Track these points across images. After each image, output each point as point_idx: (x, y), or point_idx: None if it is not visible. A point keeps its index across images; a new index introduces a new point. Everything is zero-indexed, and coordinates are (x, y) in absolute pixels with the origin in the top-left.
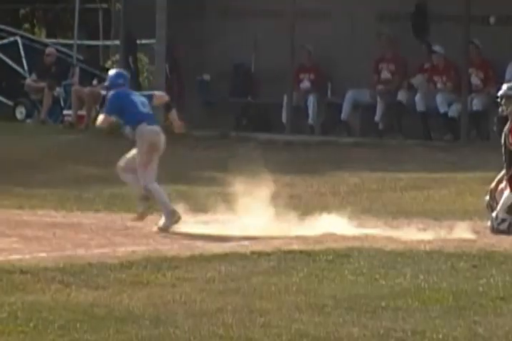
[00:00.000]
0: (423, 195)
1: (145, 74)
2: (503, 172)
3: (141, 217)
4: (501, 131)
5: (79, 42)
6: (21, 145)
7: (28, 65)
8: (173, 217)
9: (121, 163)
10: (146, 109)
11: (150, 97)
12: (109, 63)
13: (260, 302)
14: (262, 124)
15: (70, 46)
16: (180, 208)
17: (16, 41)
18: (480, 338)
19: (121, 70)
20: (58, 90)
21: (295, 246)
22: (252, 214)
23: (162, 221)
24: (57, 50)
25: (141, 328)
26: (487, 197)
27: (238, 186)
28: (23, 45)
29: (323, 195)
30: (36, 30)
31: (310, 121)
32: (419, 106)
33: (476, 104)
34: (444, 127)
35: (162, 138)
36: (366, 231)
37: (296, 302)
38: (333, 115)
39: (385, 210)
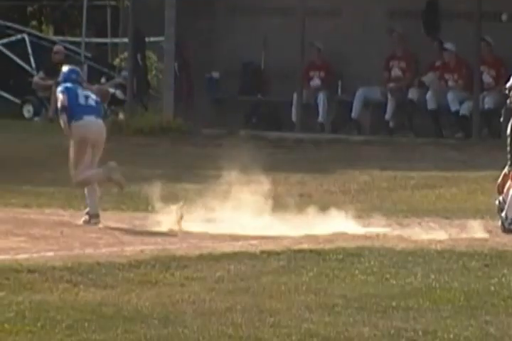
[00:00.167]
0: (434, 194)
1: (153, 72)
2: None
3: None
4: (508, 122)
5: (87, 39)
6: (29, 144)
7: (35, 62)
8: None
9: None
10: (88, 102)
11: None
12: (117, 61)
13: (270, 302)
14: (271, 122)
15: (78, 44)
16: (187, 207)
17: (23, 39)
18: (491, 338)
19: (75, 67)
20: None
21: (305, 246)
22: (259, 212)
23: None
24: (65, 48)
25: (149, 328)
26: (500, 198)
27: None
28: (31, 42)
29: (334, 194)
30: (44, 27)
31: (320, 119)
32: (430, 104)
33: (488, 102)
34: (455, 125)
35: (97, 131)
36: (377, 230)
37: (306, 301)
38: (343, 113)
39: (396, 209)
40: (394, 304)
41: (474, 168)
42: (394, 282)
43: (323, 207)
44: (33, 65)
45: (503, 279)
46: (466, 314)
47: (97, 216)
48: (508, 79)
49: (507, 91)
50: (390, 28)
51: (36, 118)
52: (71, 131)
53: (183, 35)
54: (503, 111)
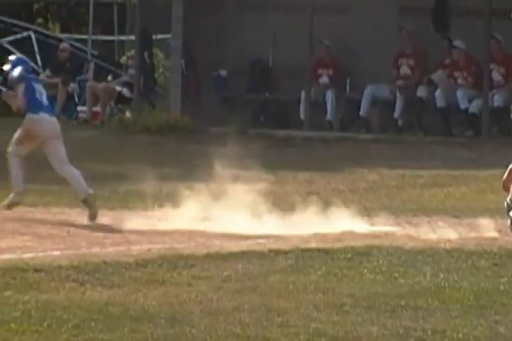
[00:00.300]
0: (443, 193)
1: (161, 70)
2: None
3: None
4: None
5: (93, 37)
6: None
7: (41, 60)
8: (15, 197)
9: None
10: (42, 98)
11: None
12: (124, 59)
13: (278, 301)
14: (279, 121)
15: (84, 41)
16: (194, 206)
17: (29, 36)
18: (501, 337)
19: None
20: (72, 86)
21: (313, 244)
22: (267, 211)
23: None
24: (72, 46)
25: (156, 327)
26: (508, 199)
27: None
28: (37, 40)
29: (342, 192)
30: (50, 25)
31: (328, 117)
32: (440, 102)
33: (497, 99)
34: (464, 123)
35: (50, 129)
36: (385, 228)
37: (314, 301)
38: (351, 111)
39: (405, 208)
40: (403, 303)
41: (484, 166)
42: (403, 281)
43: (332, 206)
44: (39, 62)
45: None
46: (476, 313)
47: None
48: None
49: None
50: (399, 26)
51: None
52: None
53: (190, 33)
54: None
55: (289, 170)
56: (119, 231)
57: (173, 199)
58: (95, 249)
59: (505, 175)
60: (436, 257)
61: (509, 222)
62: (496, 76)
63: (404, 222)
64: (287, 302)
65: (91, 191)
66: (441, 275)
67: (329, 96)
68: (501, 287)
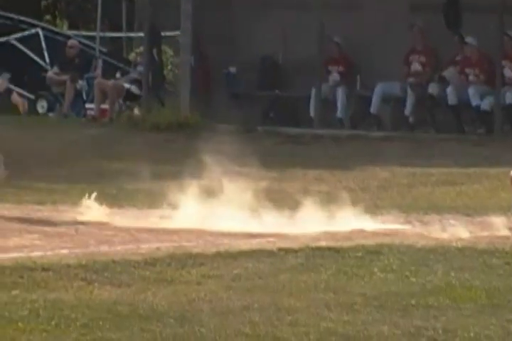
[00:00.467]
0: (455, 191)
1: (170, 67)
2: None
3: None
4: None
5: (102, 34)
6: (43, 140)
7: (49, 57)
8: None
9: None
10: None
11: None
12: (132, 55)
13: (288, 300)
14: (289, 118)
15: (92, 38)
16: (202, 204)
17: (37, 33)
18: None
19: None
20: (81, 83)
21: (323, 243)
22: (276, 209)
23: None
24: (80, 42)
25: (165, 326)
26: None
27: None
28: (45, 37)
29: (353, 190)
30: (58, 21)
31: (339, 114)
32: (451, 99)
33: (510, 97)
34: (476, 121)
35: None
36: (396, 227)
37: (324, 300)
38: (362, 108)
39: (416, 206)
40: (414, 302)
41: (496, 163)
42: (414, 280)
43: (342, 204)
44: (47, 59)
45: None
46: (488, 312)
47: None
48: None
49: None
50: (410, 22)
51: (50, 114)
52: None
53: (199, 30)
54: None
55: (298, 168)
56: (128, 229)
57: (181, 197)
58: (104, 248)
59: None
60: (448, 256)
61: None
62: (508, 73)
63: (415, 220)
64: (297, 301)
65: None
66: (453, 274)
67: (340, 93)
68: None
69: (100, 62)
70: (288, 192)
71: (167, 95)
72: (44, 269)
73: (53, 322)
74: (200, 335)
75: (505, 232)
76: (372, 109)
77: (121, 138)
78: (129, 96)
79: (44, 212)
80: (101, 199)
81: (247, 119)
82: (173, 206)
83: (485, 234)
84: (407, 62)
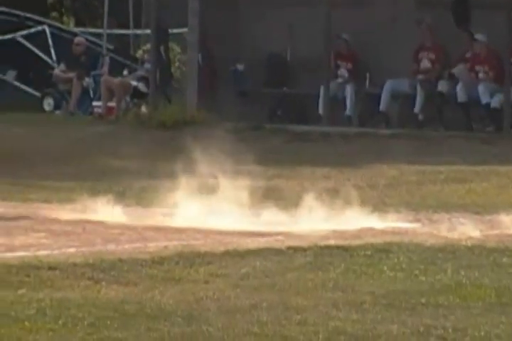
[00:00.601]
0: (464, 188)
1: (177, 64)
2: None
3: None
4: None
5: (108, 31)
6: (49, 137)
7: (56, 54)
8: None
9: None
10: None
11: None
12: (139, 53)
13: (296, 299)
14: (297, 115)
15: (99, 35)
16: (209, 202)
17: (43, 30)
18: None
19: None
20: (87, 80)
21: (332, 241)
22: (284, 207)
23: None
24: (87, 40)
25: (173, 325)
26: None
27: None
28: (51, 34)
29: (361, 188)
30: (64, 18)
31: (347, 112)
32: (461, 97)
33: None
34: (486, 118)
35: None
36: (405, 225)
37: (333, 298)
38: (371, 106)
39: (425, 204)
40: (423, 301)
41: (505, 161)
42: (423, 278)
43: (350, 202)
44: (54, 57)
45: None
46: (497, 311)
47: None
48: None
49: None
50: (418, 19)
51: (57, 112)
52: None
53: (206, 27)
54: None
55: (306, 166)
56: (135, 227)
57: (188, 196)
58: (111, 246)
59: None
60: (457, 254)
61: None
62: None
63: (424, 218)
64: (306, 300)
65: None
66: (462, 273)
67: (348, 90)
68: None
69: (107, 60)
70: (296, 190)
71: (174, 93)
72: (50, 268)
73: (60, 322)
74: (208, 334)
75: None
76: (381, 107)
77: (127, 135)
78: (136, 93)
79: (50, 210)
80: (107, 197)
81: (254, 117)
82: (180, 204)
83: (494, 232)
84: (416, 59)
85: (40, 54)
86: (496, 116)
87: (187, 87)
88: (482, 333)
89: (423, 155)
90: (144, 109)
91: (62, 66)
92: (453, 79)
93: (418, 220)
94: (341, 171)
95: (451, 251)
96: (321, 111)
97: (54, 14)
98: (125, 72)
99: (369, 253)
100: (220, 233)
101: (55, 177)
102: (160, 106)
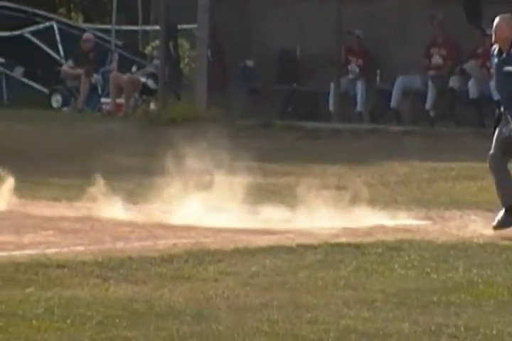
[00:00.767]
0: (476, 186)
1: (186, 61)
2: None
3: None
4: None
5: (117, 27)
6: (57, 135)
7: (64, 51)
8: None
9: None
10: None
11: None
12: (148, 49)
13: (307, 297)
14: (308, 112)
15: (108, 31)
16: (218, 199)
17: (51, 26)
18: None
19: None
20: (96, 77)
21: (343, 239)
22: (295, 206)
23: None
24: (95, 36)
25: (182, 324)
26: None
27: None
28: (59, 30)
29: (372, 186)
30: (73, 14)
31: (358, 108)
32: (472, 93)
33: None
34: None
35: None
36: (417, 222)
37: (344, 297)
38: (382, 102)
39: (437, 201)
40: (435, 299)
41: None
42: (435, 276)
43: (361, 200)
44: (62, 53)
45: None
46: (510, 309)
47: None
48: None
49: None
50: (430, 15)
51: (65, 109)
52: None
53: (216, 23)
54: None
55: (317, 163)
56: (144, 225)
57: (197, 193)
58: (120, 244)
59: None
60: (469, 252)
61: None
62: None
63: (436, 215)
64: (316, 299)
65: None
66: (475, 271)
67: (359, 87)
68: None
69: (116, 56)
70: (306, 188)
71: (183, 89)
72: (59, 266)
73: (68, 320)
74: (218, 333)
75: None
76: (393, 103)
77: (136, 133)
78: (145, 90)
79: (59, 208)
80: (116, 194)
81: (264, 114)
82: (188, 202)
83: (507, 229)
84: (427, 55)
85: (48, 50)
86: None
87: (196, 84)
88: (494, 332)
89: (434, 152)
90: (152, 105)
91: (71, 62)
92: (464, 76)
93: (430, 218)
94: (352, 168)
95: (463, 249)
96: (331, 107)
97: (62, 10)
98: (134, 69)
99: (380, 251)
100: (230, 231)
101: (63, 174)
102: (169, 103)
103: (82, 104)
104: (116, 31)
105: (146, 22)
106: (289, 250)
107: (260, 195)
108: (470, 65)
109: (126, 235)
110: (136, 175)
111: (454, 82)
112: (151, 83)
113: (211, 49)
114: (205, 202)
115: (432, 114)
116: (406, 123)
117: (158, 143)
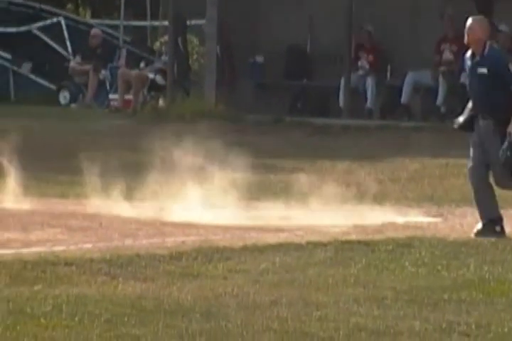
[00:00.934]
0: None
1: (195, 57)
2: None
3: None
4: None
5: (125, 23)
6: (65, 131)
7: (72, 46)
8: None
9: None
10: None
11: None
12: (157, 45)
13: (316, 295)
14: (318, 108)
15: (116, 27)
16: (228, 196)
17: (59, 22)
18: None
19: None
20: (104, 73)
21: (353, 236)
22: (305, 202)
23: None
24: (103, 32)
25: (191, 322)
26: None
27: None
28: (67, 26)
29: (383, 182)
30: (80, 10)
31: (368, 104)
32: None
33: None
34: None
35: None
36: (428, 219)
37: (354, 294)
38: (392, 98)
39: (448, 198)
40: (446, 297)
41: None
42: (446, 274)
43: (372, 197)
44: (70, 49)
45: None
46: None
47: None
48: None
49: None
50: (441, 10)
51: (73, 105)
52: None
53: (225, 18)
54: None
55: (327, 160)
56: (153, 222)
57: (206, 189)
58: (128, 242)
59: None
60: (481, 249)
61: None
62: None
63: (447, 212)
64: (326, 296)
65: None
66: (486, 268)
67: (369, 83)
68: None
69: (124, 52)
70: (316, 184)
71: (192, 85)
72: (67, 264)
73: (76, 318)
74: (227, 331)
75: None
76: (403, 99)
77: (145, 129)
78: (154, 86)
79: (67, 205)
80: (125, 191)
81: (273, 110)
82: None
83: None
84: (438, 51)
85: (56, 46)
86: None
87: (205, 80)
88: (506, 329)
89: (445, 148)
90: (161, 101)
91: (78, 58)
92: None
93: (441, 214)
94: (362, 165)
95: (474, 246)
96: (341, 103)
97: (70, 6)
98: (142, 65)
99: (390, 248)
100: (239, 228)
101: (70, 171)
102: (178, 99)
103: (90, 101)
104: (125, 27)
105: (154, 17)
106: (298, 247)
107: (269, 191)
108: None
109: (134, 232)
110: (144, 171)
111: (464, 78)
112: (159, 79)
113: (220, 44)
114: (213, 199)
115: (442, 109)
116: (416, 119)
117: (166, 139)
